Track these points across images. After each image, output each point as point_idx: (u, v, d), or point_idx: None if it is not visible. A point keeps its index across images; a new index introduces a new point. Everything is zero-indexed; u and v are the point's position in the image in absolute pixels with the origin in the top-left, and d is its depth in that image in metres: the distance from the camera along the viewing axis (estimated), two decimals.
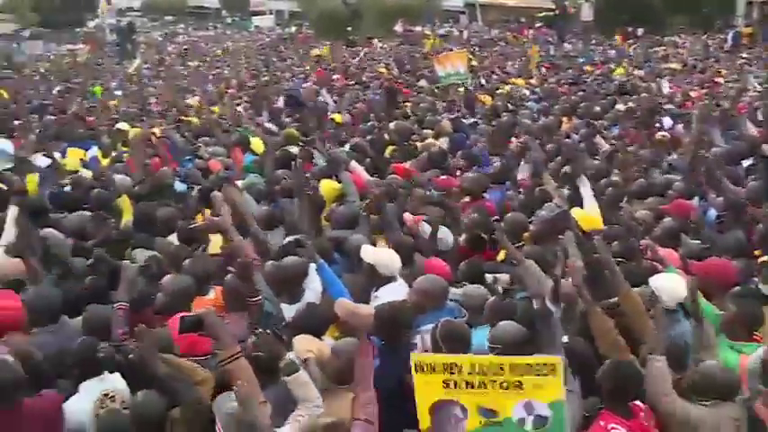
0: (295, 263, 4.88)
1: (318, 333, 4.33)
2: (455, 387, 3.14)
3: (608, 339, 4.00)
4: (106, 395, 3.79)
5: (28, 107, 13.95)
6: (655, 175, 7.45)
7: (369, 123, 10.41)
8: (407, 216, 5.97)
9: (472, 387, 3.12)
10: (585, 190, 6.31)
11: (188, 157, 8.60)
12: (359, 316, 4.32)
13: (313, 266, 4.89)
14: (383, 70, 18.17)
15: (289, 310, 4.65)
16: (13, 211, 5.88)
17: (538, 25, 32.25)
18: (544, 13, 33.25)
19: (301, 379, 3.65)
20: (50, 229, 5.77)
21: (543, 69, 17.88)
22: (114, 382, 3.95)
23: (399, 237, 5.59)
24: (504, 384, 3.10)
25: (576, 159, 6.68)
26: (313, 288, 4.87)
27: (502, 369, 3.10)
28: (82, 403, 3.85)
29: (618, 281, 4.32)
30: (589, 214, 5.80)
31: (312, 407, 3.61)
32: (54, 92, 17.88)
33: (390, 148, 8.89)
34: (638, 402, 3.67)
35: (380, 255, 4.98)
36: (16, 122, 11.27)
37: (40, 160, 8.30)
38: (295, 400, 3.62)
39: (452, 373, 3.13)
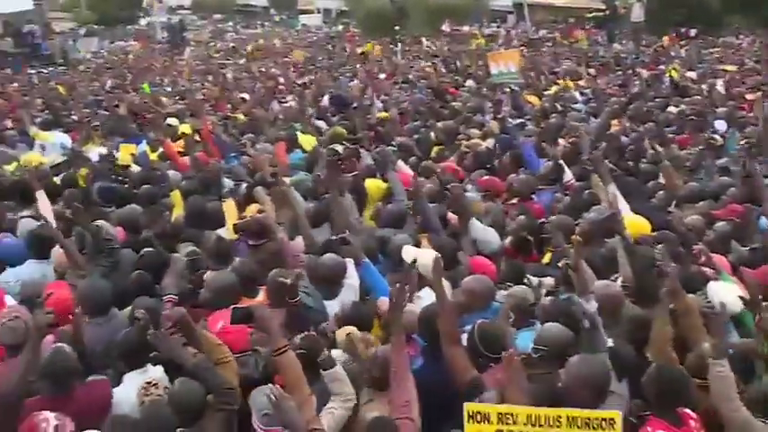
0: (333, 261, 4.90)
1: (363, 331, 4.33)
2: None
3: (662, 347, 3.94)
4: (149, 383, 3.86)
5: (83, 102, 14.34)
6: (706, 178, 7.32)
7: (415, 123, 10.41)
8: (452, 215, 5.94)
9: None
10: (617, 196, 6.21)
11: (233, 154, 8.69)
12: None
13: (351, 263, 4.91)
14: (429, 69, 18.11)
15: (328, 305, 4.69)
16: (41, 197, 6.03)
17: (587, 26, 31.79)
18: (594, 14, 32.76)
19: (337, 374, 3.71)
20: (102, 221, 5.90)
21: (592, 71, 17.63)
22: (157, 374, 4.02)
23: (441, 237, 5.57)
24: None
25: (601, 166, 6.59)
26: (351, 285, 4.90)
27: (559, 421, 3.07)
28: (126, 394, 3.93)
29: (675, 286, 4.21)
30: (638, 219, 5.71)
31: (345, 400, 3.66)
32: (106, 87, 18.28)
33: (437, 147, 8.87)
34: (688, 411, 3.58)
35: (422, 256, 4.96)
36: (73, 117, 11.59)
37: (94, 154, 8.53)
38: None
39: (507, 424, 3.10)
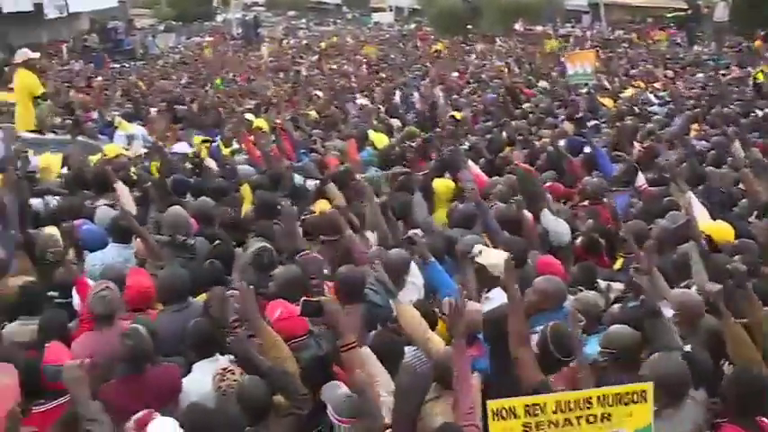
0: (396, 255, 4.92)
1: None
2: (537, 429, 2.96)
3: (746, 351, 3.79)
4: (225, 369, 3.90)
5: (160, 97, 14.80)
6: None
7: (486, 123, 10.34)
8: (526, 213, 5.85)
9: (556, 426, 2.96)
10: (694, 203, 6.02)
11: (303, 150, 8.79)
12: (468, 315, 4.29)
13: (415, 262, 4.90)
14: (503, 69, 17.95)
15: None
16: (121, 188, 6.23)
17: (668, 26, 30.81)
18: (674, 13, 31.74)
19: (365, 355, 3.73)
20: (177, 207, 6.04)
21: (670, 73, 17.13)
22: (226, 363, 4.06)
23: (508, 237, 5.51)
24: (591, 418, 2.95)
25: (677, 174, 6.39)
26: (414, 283, 4.89)
27: (590, 403, 2.94)
28: (195, 382, 4.01)
29: (751, 298, 4.07)
30: (721, 226, 5.53)
31: (389, 391, 3.68)
32: (181, 82, 18.78)
33: (508, 148, 8.79)
34: (766, 420, 3.42)
35: (492, 256, 4.92)
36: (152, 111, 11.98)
37: (178, 147, 8.77)
38: None
39: (534, 415, 2.96)
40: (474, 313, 4.23)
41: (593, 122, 9.83)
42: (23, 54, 10.28)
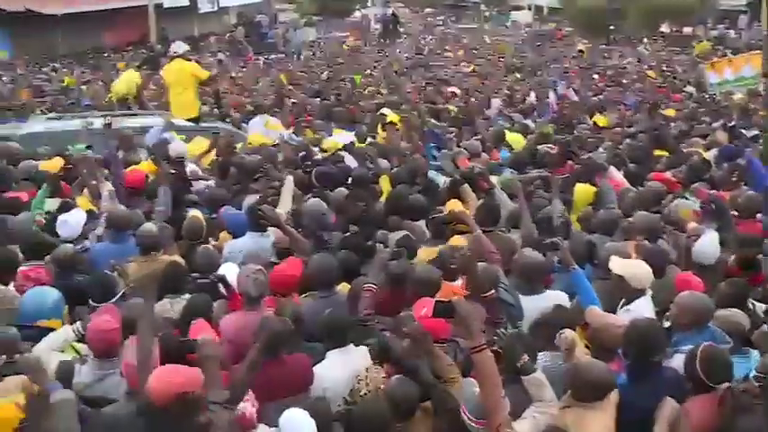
0: (538, 257, 4.83)
1: None
2: None
3: None
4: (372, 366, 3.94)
5: (300, 90, 15.27)
6: None
7: (629, 128, 9.96)
8: (692, 225, 5.56)
9: None
10: None
11: (432, 144, 8.74)
12: (611, 329, 4.15)
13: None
14: (651, 74, 17.18)
15: (525, 301, 4.58)
16: (288, 182, 6.44)
17: None
18: None
19: (537, 379, 3.64)
20: (316, 200, 6.18)
21: None
22: (359, 354, 4.13)
23: (653, 248, 5.25)
24: None
25: None
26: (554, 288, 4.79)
27: None
28: (326, 370, 4.10)
29: None
30: None
31: (548, 405, 3.58)
32: (322, 76, 19.26)
33: (657, 152, 8.43)
34: None
35: (632, 267, 4.71)
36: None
37: (344, 136, 9.00)
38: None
39: None
40: (613, 327, 4.07)
41: (753, 132, 9.20)
42: (181, 46, 10.82)
